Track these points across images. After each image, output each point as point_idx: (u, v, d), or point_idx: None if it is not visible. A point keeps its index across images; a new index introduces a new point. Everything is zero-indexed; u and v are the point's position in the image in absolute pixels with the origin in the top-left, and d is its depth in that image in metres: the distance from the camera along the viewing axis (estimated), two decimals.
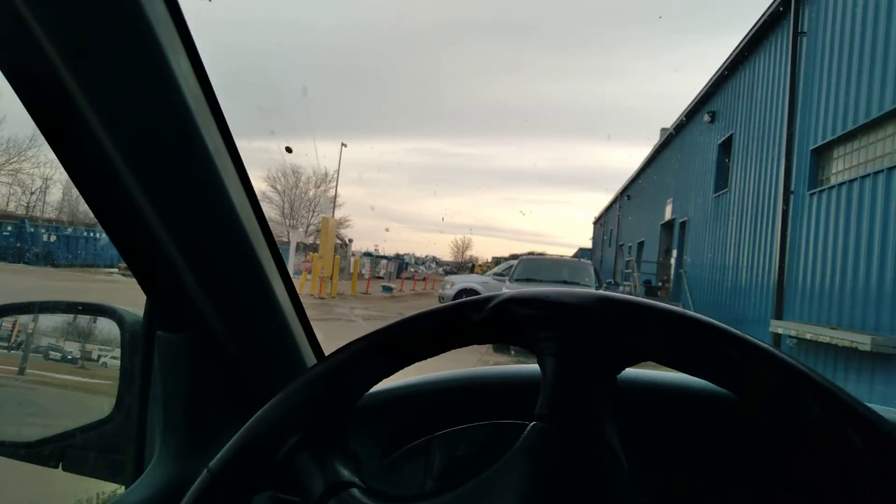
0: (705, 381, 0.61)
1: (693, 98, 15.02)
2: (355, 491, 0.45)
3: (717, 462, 0.56)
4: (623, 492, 0.40)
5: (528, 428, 0.43)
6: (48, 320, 0.94)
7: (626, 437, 0.43)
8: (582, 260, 13.33)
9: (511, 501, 0.40)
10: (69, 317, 0.93)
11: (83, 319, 0.92)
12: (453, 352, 0.47)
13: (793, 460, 0.52)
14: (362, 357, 0.47)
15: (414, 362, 0.48)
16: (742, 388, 0.39)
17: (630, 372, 0.62)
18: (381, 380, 0.49)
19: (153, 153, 0.55)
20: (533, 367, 0.64)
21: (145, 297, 0.74)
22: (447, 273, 28.00)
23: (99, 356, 0.90)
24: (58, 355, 0.92)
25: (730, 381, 0.40)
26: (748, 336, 0.38)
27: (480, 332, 0.45)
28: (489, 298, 0.44)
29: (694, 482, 0.56)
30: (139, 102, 0.53)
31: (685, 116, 16.03)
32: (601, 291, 0.44)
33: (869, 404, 0.36)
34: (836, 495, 0.47)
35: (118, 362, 0.82)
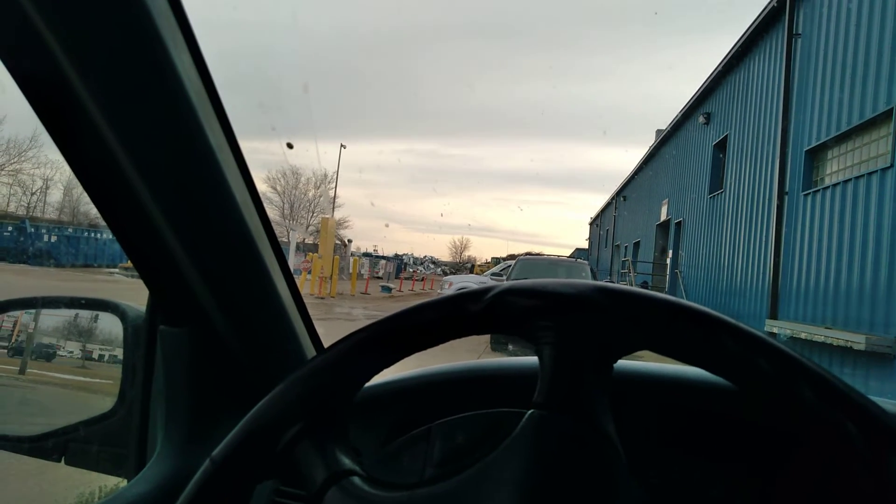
0: (700, 372, 0.62)
1: (688, 99, 15.07)
2: (356, 479, 0.45)
3: (715, 455, 0.56)
4: (621, 480, 0.41)
5: (526, 416, 0.43)
6: (51, 315, 0.94)
7: (623, 429, 0.44)
8: (579, 260, 13.36)
9: (509, 488, 0.40)
10: (72, 312, 0.94)
11: (86, 314, 0.92)
12: (452, 350, 0.47)
13: (790, 451, 0.52)
14: (363, 348, 0.48)
15: (413, 353, 0.49)
16: (737, 377, 0.39)
17: (626, 364, 0.63)
18: (381, 370, 0.50)
19: (157, 150, 0.56)
20: (531, 359, 0.65)
21: (147, 293, 0.75)
22: (445, 273, 28.01)
23: (101, 351, 0.91)
24: (61, 350, 0.92)
25: (725, 369, 0.40)
26: (743, 325, 0.39)
27: (479, 322, 0.45)
28: (488, 289, 0.45)
29: (691, 475, 0.56)
30: (143, 101, 0.53)
31: (680, 117, 16.08)
32: (598, 282, 0.44)
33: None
34: (833, 484, 0.48)
35: (120, 357, 0.83)
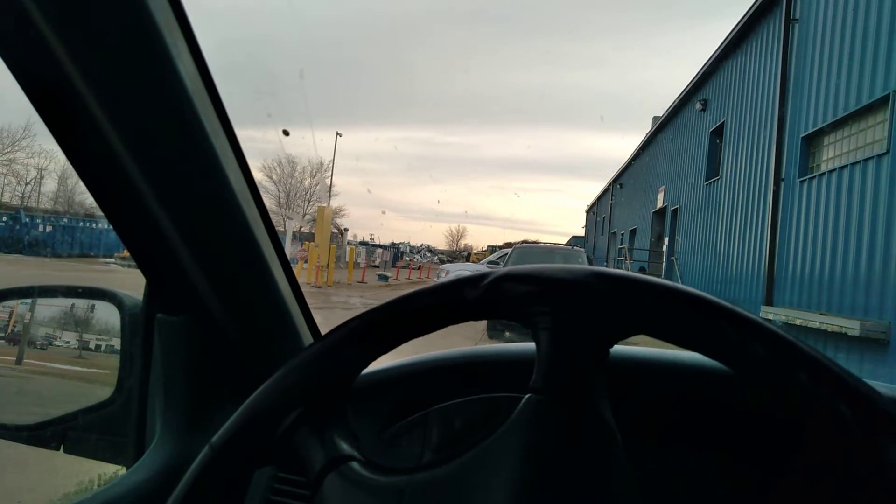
0: (697, 357, 0.62)
1: (685, 86, 15.02)
2: (355, 464, 0.46)
3: (712, 440, 0.57)
4: (617, 465, 0.42)
5: (524, 401, 0.44)
6: (48, 304, 0.94)
7: (620, 413, 0.44)
8: (575, 248, 13.36)
9: (507, 473, 0.41)
10: (68, 301, 0.93)
11: (83, 303, 0.92)
12: (448, 337, 0.47)
13: (787, 437, 0.53)
14: (360, 334, 0.48)
15: (411, 339, 0.49)
16: (734, 361, 0.40)
17: (623, 349, 0.63)
18: (378, 356, 0.50)
19: (153, 139, 0.56)
20: (528, 344, 0.65)
21: (144, 282, 0.75)
22: (442, 262, 28.05)
23: (99, 340, 0.91)
24: (58, 339, 0.92)
25: (722, 353, 0.40)
26: (739, 309, 0.39)
27: (476, 308, 0.45)
28: (485, 275, 0.45)
29: (688, 460, 0.57)
30: (139, 89, 0.53)
31: (677, 104, 16.04)
32: (594, 267, 0.45)
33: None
34: (829, 468, 0.48)
35: (118, 345, 0.83)
